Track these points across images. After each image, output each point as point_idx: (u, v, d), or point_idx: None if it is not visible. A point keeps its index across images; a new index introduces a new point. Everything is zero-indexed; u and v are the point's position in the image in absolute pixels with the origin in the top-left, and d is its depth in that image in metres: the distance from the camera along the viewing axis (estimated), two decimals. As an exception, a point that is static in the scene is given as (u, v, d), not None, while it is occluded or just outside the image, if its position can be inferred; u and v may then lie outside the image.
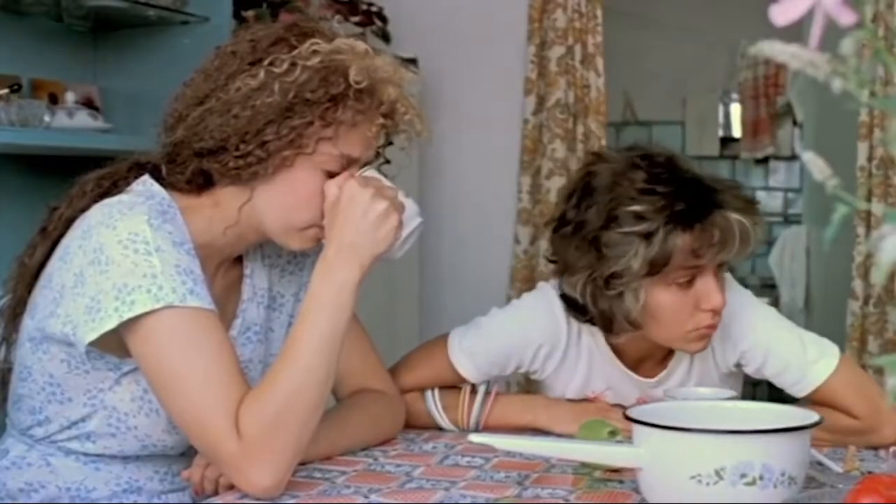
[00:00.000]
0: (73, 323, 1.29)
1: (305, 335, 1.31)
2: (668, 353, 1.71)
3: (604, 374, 1.72)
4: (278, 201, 1.38)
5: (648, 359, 1.71)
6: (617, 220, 1.53)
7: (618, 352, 1.70)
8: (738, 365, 1.70)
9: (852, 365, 1.67)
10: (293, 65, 1.33)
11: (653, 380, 1.72)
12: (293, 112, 1.33)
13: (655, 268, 1.51)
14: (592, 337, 1.70)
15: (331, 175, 1.37)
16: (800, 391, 1.64)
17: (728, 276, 1.67)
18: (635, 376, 1.71)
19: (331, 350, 1.31)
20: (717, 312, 1.57)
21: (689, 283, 1.56)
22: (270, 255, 1.55)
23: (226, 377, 1.27)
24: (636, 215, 1.51)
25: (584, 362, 1.72)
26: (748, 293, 1.71)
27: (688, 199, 1.52)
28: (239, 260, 1.51)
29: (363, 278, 1.34)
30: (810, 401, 1.63)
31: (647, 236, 1.51)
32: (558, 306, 1.68)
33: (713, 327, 1.59)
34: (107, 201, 1.35)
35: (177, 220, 1.36)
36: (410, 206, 1.42)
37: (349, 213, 1.34)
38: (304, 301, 1.35)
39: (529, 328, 1.69)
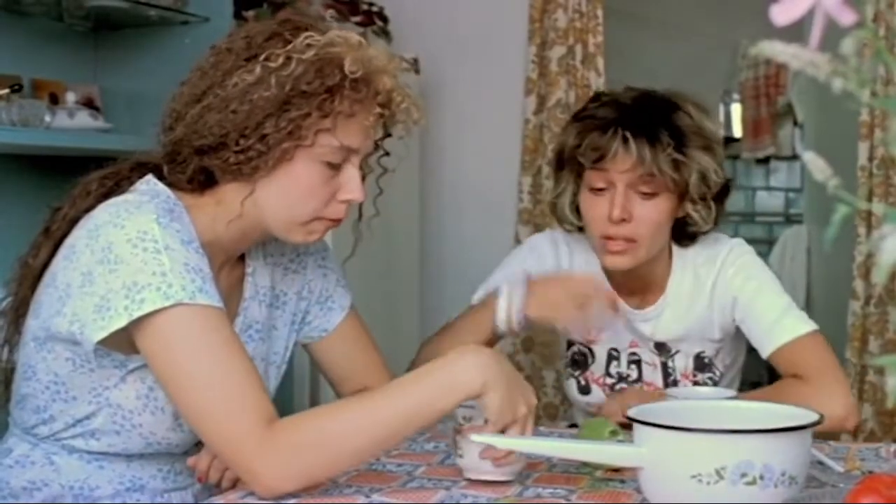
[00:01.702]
0: (81, 321, 1.29)
1: (391, 395, 1.30)
2: (658, 292, 1.81)
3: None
4: (280, 195, 1.38)
5: (641, 291, 1.82)
6: None
7: (612, 282, 1.82)
8: (734, 319, 1.77)
9: (824, 342, 1.73)
10: (288, 58, 1.33)
11: (641, 312, 1.81)
12: (291, 105, 1.33)
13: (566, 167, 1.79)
14: (588, 266, 1.83)
15: (331, 166, 1.38)
16: (768, 345, 1.72)
17: (740, 239, 1.82)
18: (626, 306, 1.81)
19: (404, 424, 1.29)
20: (614, 222, 1.69)
21: (601, 190, 1.72)
22: (273, 253, 1.55)
23: (237, 374, 1.27)
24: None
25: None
26: (757, 258, 1.81)
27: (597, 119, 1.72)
28: (242, 259, 1.51)
29: (469, 398, 1.31)
30: (774, 363, 1.73)
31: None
32: (548, 243, 1.88)
33: (612, 238, 1.71)
34: (113, 201, 1.36)
35: (184, 218, 1.36)
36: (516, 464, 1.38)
37: (518, 378, 1.35)
38: (422, 368, 1.34)
39: (524, 262, 1.86)
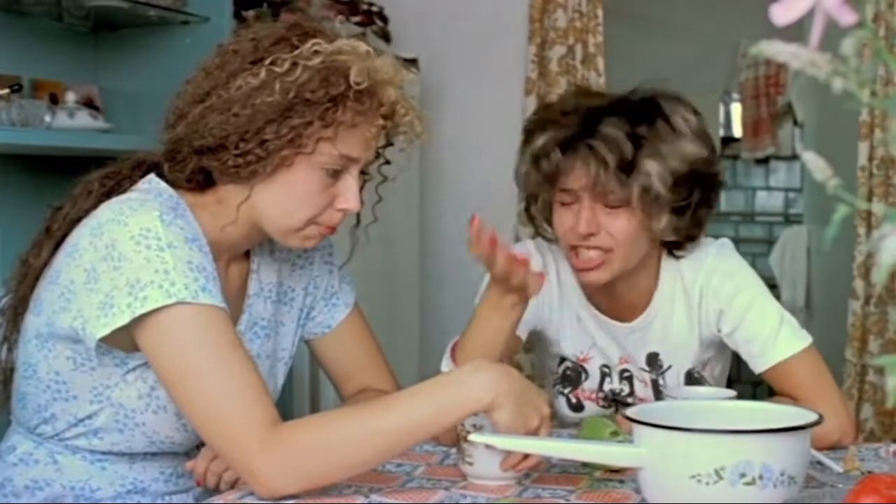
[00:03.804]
0: (84, 318, 1.29)
1: (398, 406, 1.29)
2: (644, 303, 1.73)
3: (577, 315, 1.76)
4: (277, 200, 1.38)
5: (627, 306, 1.74)
6: None
7: (594, 300, 1.76)
8: (719, 330, 1.70)
9: (818, 357, 1.66)
10: (294, 64, 1.33)
11: (627, 324, 1.74)
12: (293, 112, 1.32)
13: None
14: (574, 277, 1.74)
15: (330, 174, 1.38)
16: (760, 364, 1.65)
17: (726, 241, 1.73)
18: (608, 319, 1.75)
19: (408, 436, 1.28)
20: (584, 236, 1.61)
21: (567, 205, 1.64)
22: (281, 249, 1.54)
23: (239, 375, 1.27)
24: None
25: (564, 314, 1.77)
26: (745, 263, 1.73)
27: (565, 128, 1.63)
28: (248, 255, 1.51)
29: (476, 413, 1.30)
30: (767, 380, 1.67)
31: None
32: (536, 251, 1.78)
33: (582, 247, 1.62)
34: (116, 199, 1.36)
35: (187, 216, 1.36)
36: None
37: (530, 391, 1.33)
38: (431, 380, 1.33)
39: None
